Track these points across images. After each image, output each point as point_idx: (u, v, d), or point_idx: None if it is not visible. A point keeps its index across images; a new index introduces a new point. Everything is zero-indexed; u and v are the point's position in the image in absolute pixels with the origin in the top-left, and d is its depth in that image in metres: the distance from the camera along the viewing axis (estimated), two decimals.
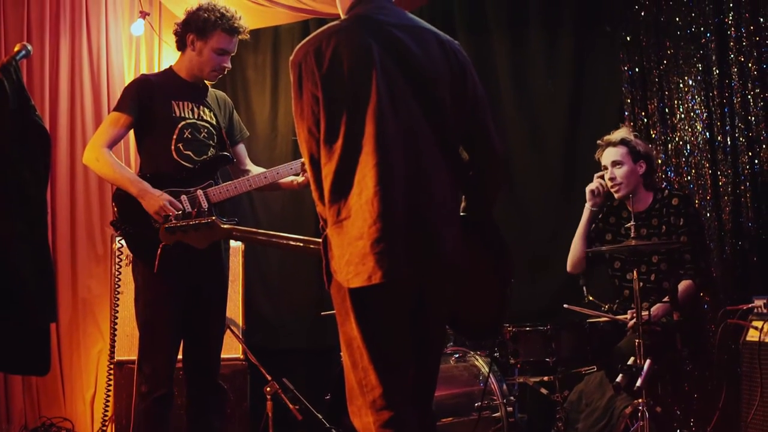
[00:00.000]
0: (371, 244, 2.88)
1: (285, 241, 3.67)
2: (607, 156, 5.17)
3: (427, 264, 2.99)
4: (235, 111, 4.88)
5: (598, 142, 5.28)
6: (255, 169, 4.79)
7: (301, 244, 3.59)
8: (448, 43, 3.20)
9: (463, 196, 3.28)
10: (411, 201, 2.94)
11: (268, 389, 5.49)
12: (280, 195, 7.07)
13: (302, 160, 4.48)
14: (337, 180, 2.96)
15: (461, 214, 3.23)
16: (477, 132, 3.20)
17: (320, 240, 3.13)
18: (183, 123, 4.49)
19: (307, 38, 3.13)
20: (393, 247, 2.89)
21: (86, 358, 6.54)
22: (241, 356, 5.91)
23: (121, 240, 5.58)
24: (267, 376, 5.58)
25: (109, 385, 5.91)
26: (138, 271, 4.40)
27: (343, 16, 3.27)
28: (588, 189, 5.29)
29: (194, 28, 4.53)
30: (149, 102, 4.48)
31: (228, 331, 5.51)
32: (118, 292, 5.83)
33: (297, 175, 4.66)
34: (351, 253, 2.92)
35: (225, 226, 3.70)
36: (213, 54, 4.53)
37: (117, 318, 5.84)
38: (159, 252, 4.20)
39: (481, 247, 3.27)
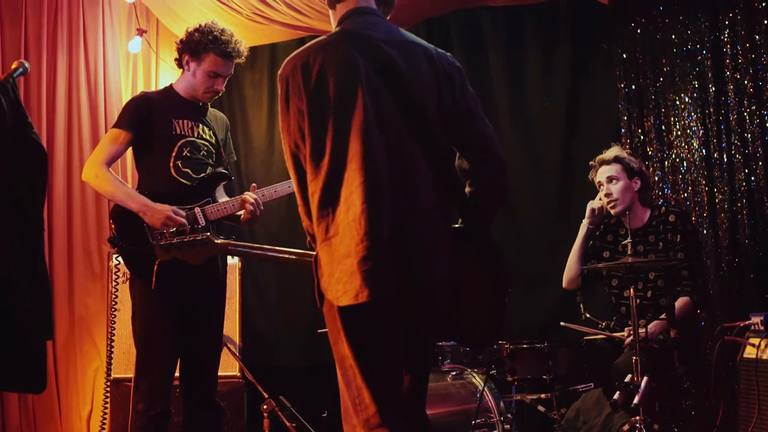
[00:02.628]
0: (359, 261, 2.86)
1: (280, 255, 3.67)
2: (602, 173, 5.17)
3: (416, 281, 2.97)
4: (229, 134, 4.87)
5: (591, 163, 5.28)
6: (221, 197, 4.74)
7: (296, 258, 3.59)
8: (437, 55, 3.19)
9: (460, 209, 3.27)
10: (398, 218, 2.93)
11: (265, 407, 5.49)
12: (277, 212, 7.09)
13: (242, 196, 4.50)
14: (324, 197, 2.95)
15: (456, 226, 3.22)
16: (474, 141, 3.18)
17: (314, 254, 3.13)
18: (182, 141, 4.49)
19: (295, 52, 3.12)
20: (380, 266, 2.87)
21: (83, 375, 6.53)
22: (238, 374, 5.91)
23: (118, 257, 5.59)
24: (264, 393, 5.57)
25: (106, 402, 5.91)
26: (135, 289, 4.39)
27: (334, 29, 3.28)
28: (590, 206, 5.27)
29: (188, 49, 4.54)
30: (149, 119, 4.47)
31: (225, 348, 5.51)
32: (115, 310, 5.82)
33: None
34: (340, 271, 2.91)
35: (219, 242, 3.70)
36: (205, 76, 4.53)
37: (114, 335, 5.83)
38: (155, 268, 4.20)
39: (478, 259, 3.25)
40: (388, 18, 3.32)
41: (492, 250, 3.27)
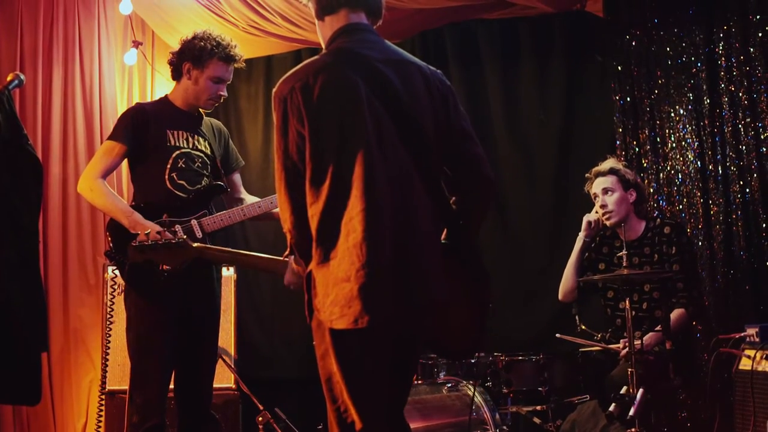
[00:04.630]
0: (359, 287, 2.87)
1: (251, 259, 3.72)
2: (598, 185, 5.18)
3: (413, 305, 2.99)
4: (230, 140, 4.87)
5: (587, 175, 5.28)
6: (249, 198, 4.78)
7: (267, 261, 3.64)
8: (431, 75, 3.20)
9: (446, 224, 3.27)
10: (398, 243, 2.95)
11: (260, 419, 5.47)
12: (274, 224, 7.06)
13: None
14: (324, 221, 2.96)
15: (443, 241, 3.22)
16: (467, 161, 3.20)
17: (282, 258, 3.25)
18: (177, 152, 4.48)
19: (292, 72, 3.11)
20: (380, 292, 2.89)
21: (77, 387, 6.51)
22: (233, 386, 5.90)
23: (114, 270, 5.58)
24: (259, 405, 5.56)
25: (101, 414, 5.89)
26: (131, 301, 4.37)
27: (324, 47, 3.26)
28: (586, 219, 5.27)
29: (190, 57, 4.52)
30: (144, 131, 4.46)
31: (220, 360, 5.49)
32: (110, 322, 5.81)
33: None
34: (336, 294, 2.92)
35: (196, 245, 3.72)
36: (209, 82, 4.53)
37: (109, 348, 5.81)
38: (126, 269, 4.20)
39: (461, 272, 3.24)
40: (375, 27, 3.30)
41: (476, 264, 3.29)
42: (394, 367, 3.10)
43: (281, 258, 3.45)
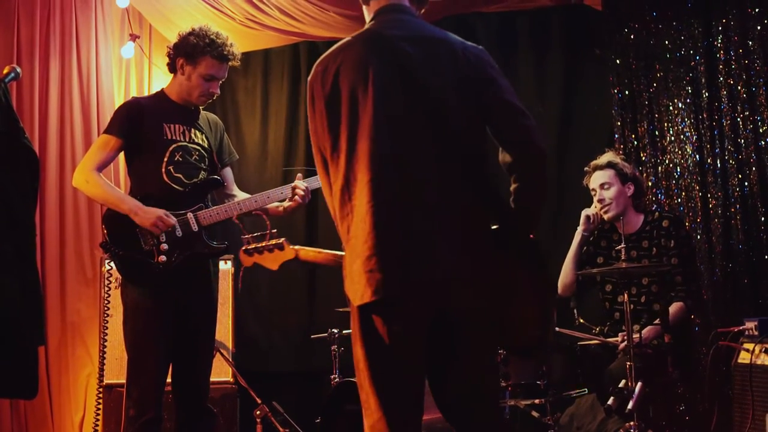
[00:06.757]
0: (363, 261, 2.87)
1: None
2: (595, 179, 5.17)
3: (429, 279, 2.91)
4: (225, 134, 4.86)
5: (585, 169, 5.28)
6: (240, 195, 4.75)
7: None
8: (464, 50, 3.12)
9: (498, 211, 3.16)
10: (408, 216, 2.91)
11: (258, 413, 5.47)
12: (271, 220, 7.05)
13: (292, 184, 4.50)
14: (342, 197, 2.99)
15: (494, 227, 3.13)
16: (515, 134, 3.11)
17: None
18: (174, 145, 4.48)
19: (322, 56, 3.17)
20: (385, 264, 2.85)
21: (75, 381, 6.51)
22: (231, 379, 5.89)
23: (110, 262, 5.57)
24: (257, 399, 5.56)
25: (98, 408, 5.88)
26: (127, 294, 4.37)
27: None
28: (584, 213, 5.27)
29: (184, 53, 4.52)
30: (140, 124, 4.46)
31: (217, 354, 5.49)
32: (108, 315, 5.80)
33: (282, 201, 4.62)
34: (352, 272, 2.92)
35: (293, 247, 3.70)
36: (201, 79, 4.51)
37: (106, 341, 5.81)
38: (241, 274, 4.22)
39: (514, 263, 3.16)
40: (422, 11, 3.31)
41: (532, 253, 3.21)
42: (440, 357, 3.02)
43: None
